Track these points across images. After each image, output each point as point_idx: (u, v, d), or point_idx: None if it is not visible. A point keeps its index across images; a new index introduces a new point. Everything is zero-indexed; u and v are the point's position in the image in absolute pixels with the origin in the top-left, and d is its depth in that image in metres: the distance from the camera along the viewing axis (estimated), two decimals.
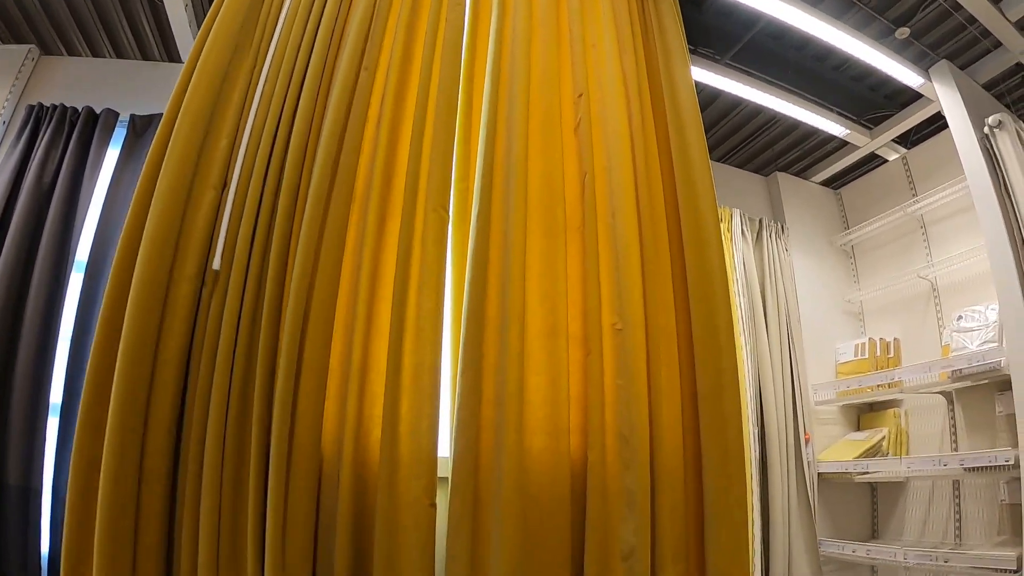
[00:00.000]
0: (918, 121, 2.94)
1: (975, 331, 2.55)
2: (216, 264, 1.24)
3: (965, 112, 2.59)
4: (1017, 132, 2.50)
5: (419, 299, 1.23)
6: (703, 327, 1.41)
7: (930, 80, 2.76)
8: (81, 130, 2.41)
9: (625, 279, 1.35)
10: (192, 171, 1.31)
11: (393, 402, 1.17)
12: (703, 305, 1.42)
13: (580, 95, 1.55)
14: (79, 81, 2.61)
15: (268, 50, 1.45)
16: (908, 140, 3.20)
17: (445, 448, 1.23)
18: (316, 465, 1.14)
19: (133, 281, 1.20)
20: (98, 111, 2.45)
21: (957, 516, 2.66)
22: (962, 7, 2.74)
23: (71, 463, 1.11)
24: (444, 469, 1.21)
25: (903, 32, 2.98)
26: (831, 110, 3.05)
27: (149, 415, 1.14)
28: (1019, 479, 2.44)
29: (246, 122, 1.36)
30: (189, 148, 1.31)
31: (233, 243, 1.24)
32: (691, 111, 1.58)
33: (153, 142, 1.36)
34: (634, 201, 1.44)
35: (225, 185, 1.32)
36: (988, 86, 2.84)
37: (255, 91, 1.40)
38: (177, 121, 1.34)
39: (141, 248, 1.22)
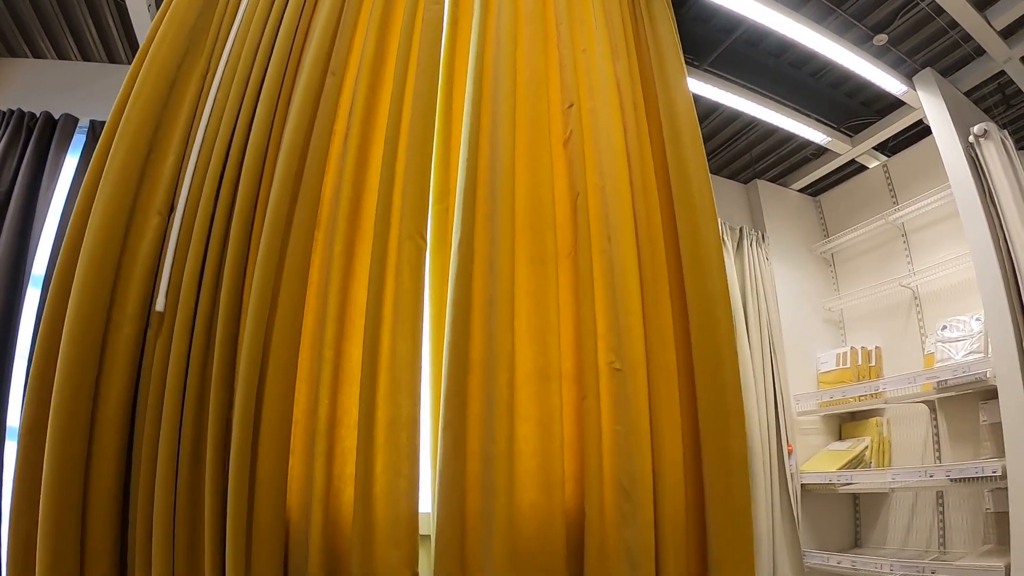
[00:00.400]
0: (899, 129, 2.80)
1: (960, 341, 2.43)
2: (160, 305, 1.03)
3: (950, 120, 2.46)
4: (1002, 141, 2.37)
5: (394, 342, 1.03)
6: (706, 363, 1.23)
7: (913, 87, 2.62)
8: (38, 136, 2.16)
9: (624, 313, 1.17)
10: (133, 193, 1.10)
11: (367, 460, 0.97)
12: (706, 338, 1.25)
13: (570, 105, 1.36)
14: (39, 85, 2.35)
15: (223, 51, 1.23)
16: (886, 147, 3.06)
17: (426, 503, 1.03)
18: (281, 533, 0.94)
19: (65, 324, 0.98)
20: (57, 116, 2.20)
21: (941, 525, 2.54)
22: (942, 14, 2.60)
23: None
24: (425, 526, 1.02)
25: (880, 39, 2.85)
26: (809, 116, 2.91)
27: (89, 488, 0.93)
28: (1005, 489, 2.33)
29: (196, 135, 1.14)
30: (130, 165, 1.10)
31: (179, 278, 1.03)
32: (689, 123, 1.40)
33: (92, 158, 1.14)
34: (631, 224, 1.26)
35: (172, 210, 1.11)
36: (969, 94, 2.71)
37: (207, 98, 1.19)
38: (117, 133, 1.12)
39: (74, 285, 1.01)
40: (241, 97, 1.16)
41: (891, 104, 2.94)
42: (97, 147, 1.14)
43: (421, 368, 1.03)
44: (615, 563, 1.08)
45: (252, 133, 1.13)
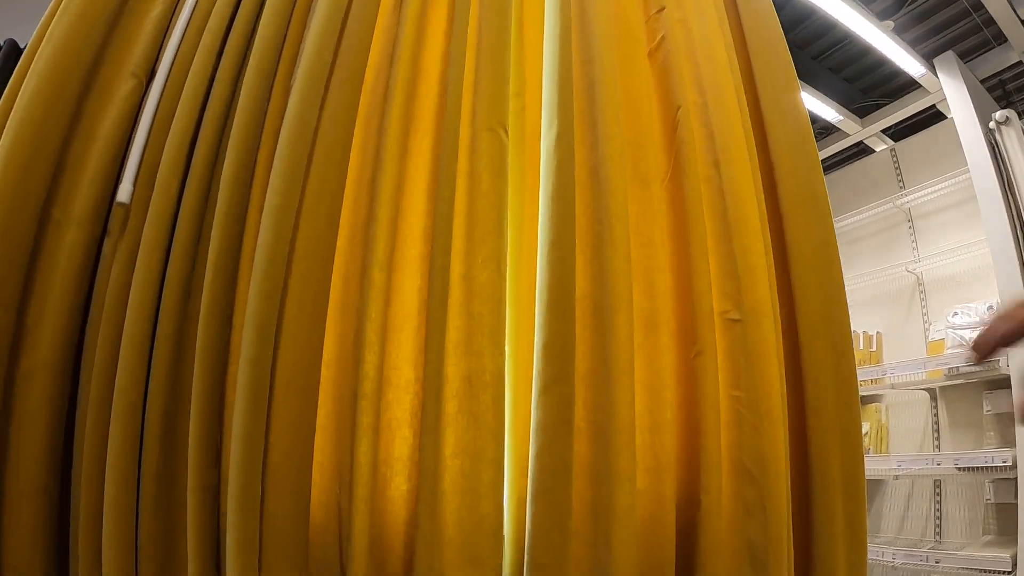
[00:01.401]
0: (913, 112, 2.62)
1: (972, 329, 2.26)
2: (124, 194, 0.66)
3: (971, 105, 2.27)
4: (1022, 129, 2.20)
5: (469, 267, 0.69)
6: (817, 320, 0.95)
7: (933, 70, 2.43)
8: None
9: (741, 252, 0.86)
10: (98, 44, 0.72)
11: (431, 437, 0.63)
12: (817, 292, 0.96)
13: (661, 9, 1.04)
14: None
15: None
16: (889, 131, 2.90)
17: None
18: (302, 543, 0.60)
19: None
20: None
21: (937, 514, 2.38)
22: (952, 3, 2.44)
23: None
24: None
25: (887, 25, 2.67)
26: (819, 93, 2.70)
27: (4, 476, 0.57)
28: (1008, 479, 2.19)
29: None
30: (98, 5, 0.72)
31: (156, 160, 0.66)
32: (776, 31, 1.11)
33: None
34: (744, 147, 0.95)
35: (152, 73, 0.73)
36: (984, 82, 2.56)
37: None
38: None
39: None
40: None
41: (900, 87, 2.77)
42: None
43: (506, 308, 0.70)
44: (736, 565, 0.78)
45: None
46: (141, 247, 0.63)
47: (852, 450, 0.94)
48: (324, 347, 0.67)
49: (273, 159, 0.66)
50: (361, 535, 0.60)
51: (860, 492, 0.91)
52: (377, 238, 0.66)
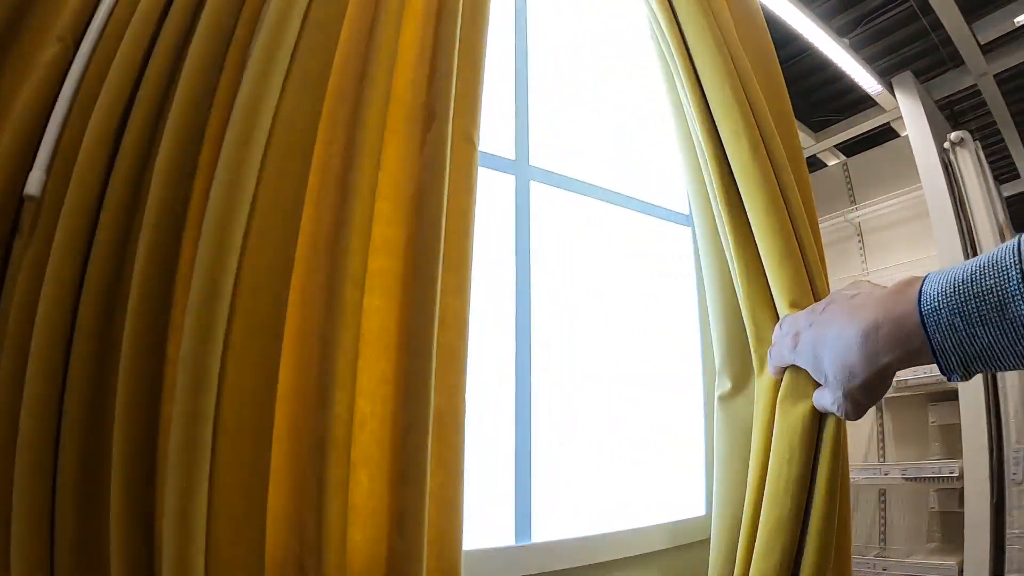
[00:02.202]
0: (867, 129, 2.67)
1: None
2: (34, 186, 0.52)
3: (927, 125, 2.32)
4: (976, 151, 2.26)
5: (443, 294, 0.59)
6: None
7: (889, 89, 2.48)
8: None
9: None
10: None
11: (415, 490, 0.52)
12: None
13: None
14: None
15: None
16: (841, 146, 2.95)
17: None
18: None
19: None
20: None
21: (882, 522, 2.43)
22: (909, 24, 2.48)
23: None
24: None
25: (844, 42, 2.72)
26: None
27: None
28: (952, 489, 2.24)
29: None
30: None
31: (77, 143, 0.53)
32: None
33: None
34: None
35: (81, 36, 0.59)
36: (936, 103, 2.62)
37: None
38: None
39: None
40: None
41: (852, 103, 2.81)
42: None
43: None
44: None
45: None
46: (51, 255, 0.50)
47: None
48: (280, 381, 0.55)
49: (222, 145, 0.54)
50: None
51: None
52: (352, 249, 0.55)
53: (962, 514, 2.10)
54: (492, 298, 0.73)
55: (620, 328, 0.88)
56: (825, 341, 0.54)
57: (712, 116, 0.81)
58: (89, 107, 0.55)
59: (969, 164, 2.23)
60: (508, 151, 0.80)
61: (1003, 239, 2.23)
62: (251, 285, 0.52)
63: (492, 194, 0.75)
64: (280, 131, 0.56)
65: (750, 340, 0.75)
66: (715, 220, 0.82)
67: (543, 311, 0.77)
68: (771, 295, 0.73)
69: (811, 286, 0.73)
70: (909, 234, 2.53)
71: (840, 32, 2.51)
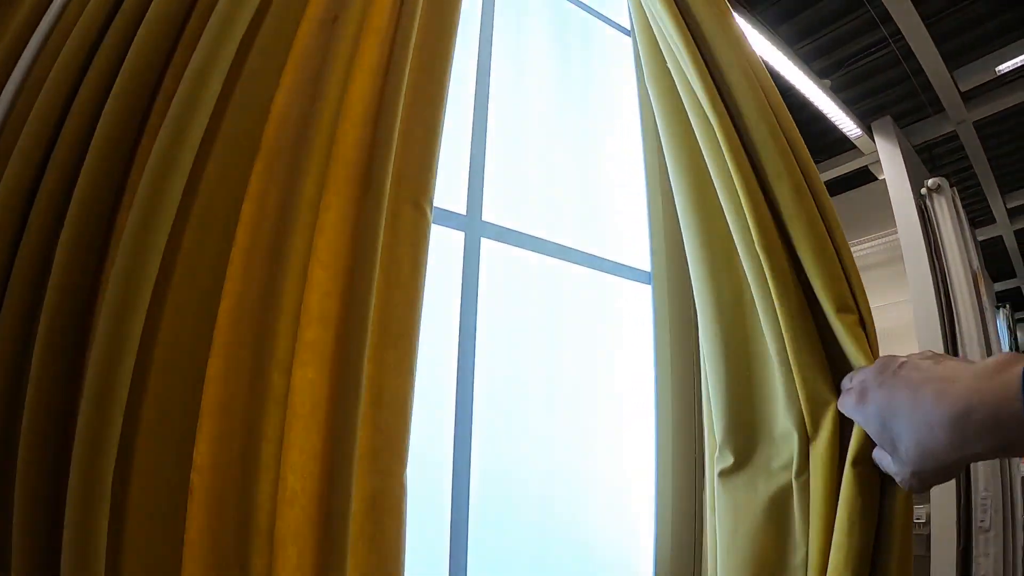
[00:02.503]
0: (846, 171, 2.68)
1: None
2: None
3: (905, 170, 2.34)
4: (952, 198, 2.28)
5: (380, 371, 0.55)
6: None
7: (868, 132, 2.49)
8: None
9: None
10: None
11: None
12: None
13: None
14: None
15: None
16: None
17: None
18: None
19: None
20: None
21: None
22: (890, 69, 2.51)
23: None
24: None
25: (825, 84, 2.74)
26: None
27: None
28: (920, 534, 2.23)
29: None
30: None
31: None
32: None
33: None
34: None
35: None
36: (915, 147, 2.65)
37: None
38: None
39: None
40: None
41: (830, 144, 2.83)
42: None
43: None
44: None
45: None
46: None
47: None
48: (194, 446, 0.50)
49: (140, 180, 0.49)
50: None
51: None
52: (279, 332, 0.51)
53: (929, 559, 2.09)
54: (434, 372, 0.69)
55: (571, 404, 0.83)
56: (898, 410, 0.48)
57: (751, 158, 0.73)
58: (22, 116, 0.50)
59: (945, 210, 2.24)
60: (459, 205, 0.76)
61: (976, 285, 2.24)
62: (163, 363, 0.48)
63: (438, 253, 0.71)
64: (205, 190, 0.52)
65: (802, 402, 0.65)
66: (716, 274, 0.74)
67: (486, 387, 0.73)
68: (822, 348, 0.66)
69: (866, 338, 0.67)
70: (885, 277, 2.54)
71: (822, 74, 2.52)
